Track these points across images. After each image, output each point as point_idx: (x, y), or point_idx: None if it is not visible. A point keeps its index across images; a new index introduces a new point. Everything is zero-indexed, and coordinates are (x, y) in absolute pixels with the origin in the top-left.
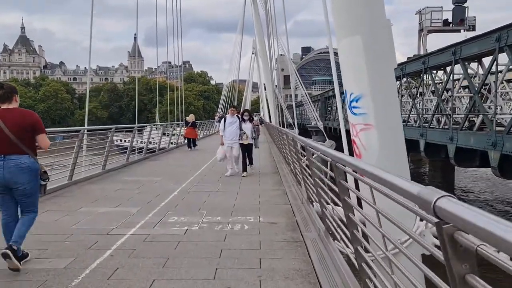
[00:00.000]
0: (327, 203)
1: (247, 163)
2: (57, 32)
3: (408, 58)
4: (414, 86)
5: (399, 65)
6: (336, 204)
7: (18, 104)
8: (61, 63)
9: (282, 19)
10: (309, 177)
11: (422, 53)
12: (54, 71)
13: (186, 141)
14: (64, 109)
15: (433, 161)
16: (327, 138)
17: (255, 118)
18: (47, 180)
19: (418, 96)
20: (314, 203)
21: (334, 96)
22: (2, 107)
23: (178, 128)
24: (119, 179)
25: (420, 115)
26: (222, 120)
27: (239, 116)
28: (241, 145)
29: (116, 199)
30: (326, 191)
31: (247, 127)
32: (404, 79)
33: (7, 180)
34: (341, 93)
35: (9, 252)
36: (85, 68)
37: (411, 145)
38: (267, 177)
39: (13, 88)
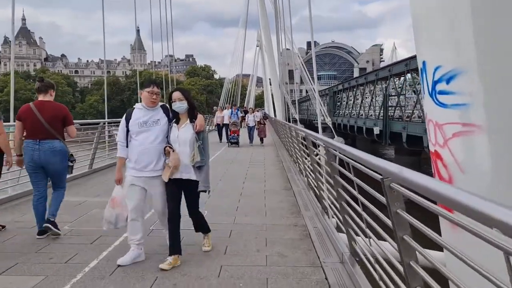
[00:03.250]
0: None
1: (194, 228)
2: (63, 26)
3: None
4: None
5: (403, 60)
6: None
7: (53, 98)
8: (63, 55)
9: (288, 13)
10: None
11: None
12: (55, 63)
13: None
14: (64, 103)
15: None
16: (335, 135)
17: (248, 114)
18: (74, 161)
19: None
20: (363, 254)
21: (343, 90)
22: (39, 99)
23: None
24: None
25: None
26: (123, 119)
27: (167, 106)
28: (169, 181)
29: None
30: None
31: (184, 135)
32: (409, 75)
33: (42, 161)
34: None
35: (49, 225)
36: (87, 61)
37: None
38: (276, 197)
39: (51, 84)
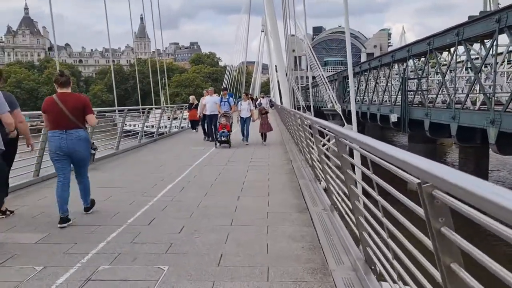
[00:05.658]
0: None
1: None
2: (68, 15)
3: (470, 17)
4: (443, 63)
5: (425, 38)
6: None
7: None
8: (67, 45)
9: None
10: None
11: (490, 9)
12: (60, 53)
13: (190, 124)
14: None
15: (464, 147)
16: (345, 123)
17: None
18: (96, 149)
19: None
20: None
21: (354, 75)
22: (60, 91)
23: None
24: None
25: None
26: None
27: None
28: None
29: None
30: None
31: None
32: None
33: (70, 149)
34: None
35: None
36: (92, 50)
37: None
38: (285, 229)
39: (69, 76)
